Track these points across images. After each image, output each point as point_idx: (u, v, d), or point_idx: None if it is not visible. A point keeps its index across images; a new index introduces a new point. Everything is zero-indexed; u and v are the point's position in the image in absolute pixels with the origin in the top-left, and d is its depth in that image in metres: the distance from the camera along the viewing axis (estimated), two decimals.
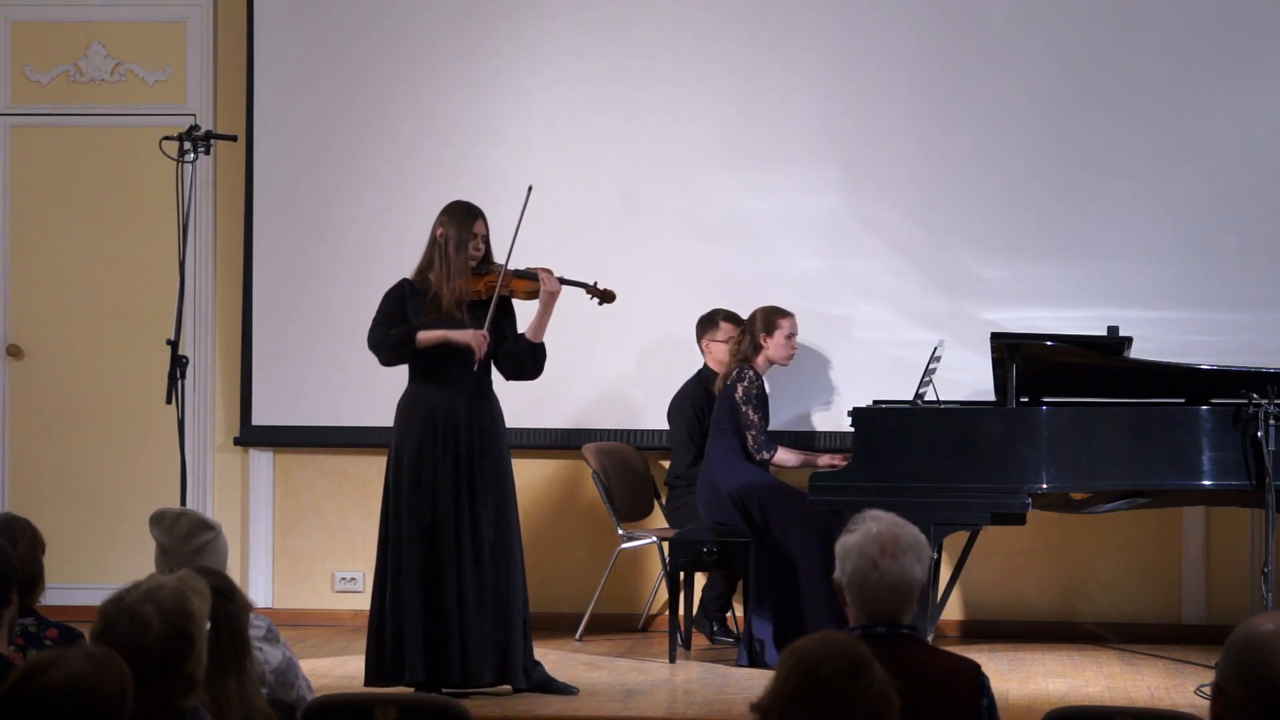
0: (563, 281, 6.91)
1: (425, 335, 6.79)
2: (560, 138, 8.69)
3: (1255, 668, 2.78)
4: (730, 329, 8.17)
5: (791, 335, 7.93)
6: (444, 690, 6.55)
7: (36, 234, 9.03)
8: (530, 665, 6.87)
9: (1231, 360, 7.74)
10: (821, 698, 2.85)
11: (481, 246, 6.90)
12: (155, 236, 8.60)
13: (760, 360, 7.88)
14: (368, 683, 6.79)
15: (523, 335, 6.95)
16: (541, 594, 8.02)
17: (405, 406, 6.92)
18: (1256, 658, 2.78)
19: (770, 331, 7.88)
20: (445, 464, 6.78)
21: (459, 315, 6.82)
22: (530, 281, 6.91)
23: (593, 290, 7.04)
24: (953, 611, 8.34)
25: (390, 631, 6.76)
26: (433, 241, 6.91)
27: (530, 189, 6.84)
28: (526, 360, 6.94)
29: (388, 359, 6.89)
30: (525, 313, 7.00)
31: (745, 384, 7.78)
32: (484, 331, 6.77)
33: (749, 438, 7.74)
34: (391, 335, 6.84)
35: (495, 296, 6.82)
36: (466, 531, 6.76)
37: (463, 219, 6.89)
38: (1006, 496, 7.02)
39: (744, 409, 7.76)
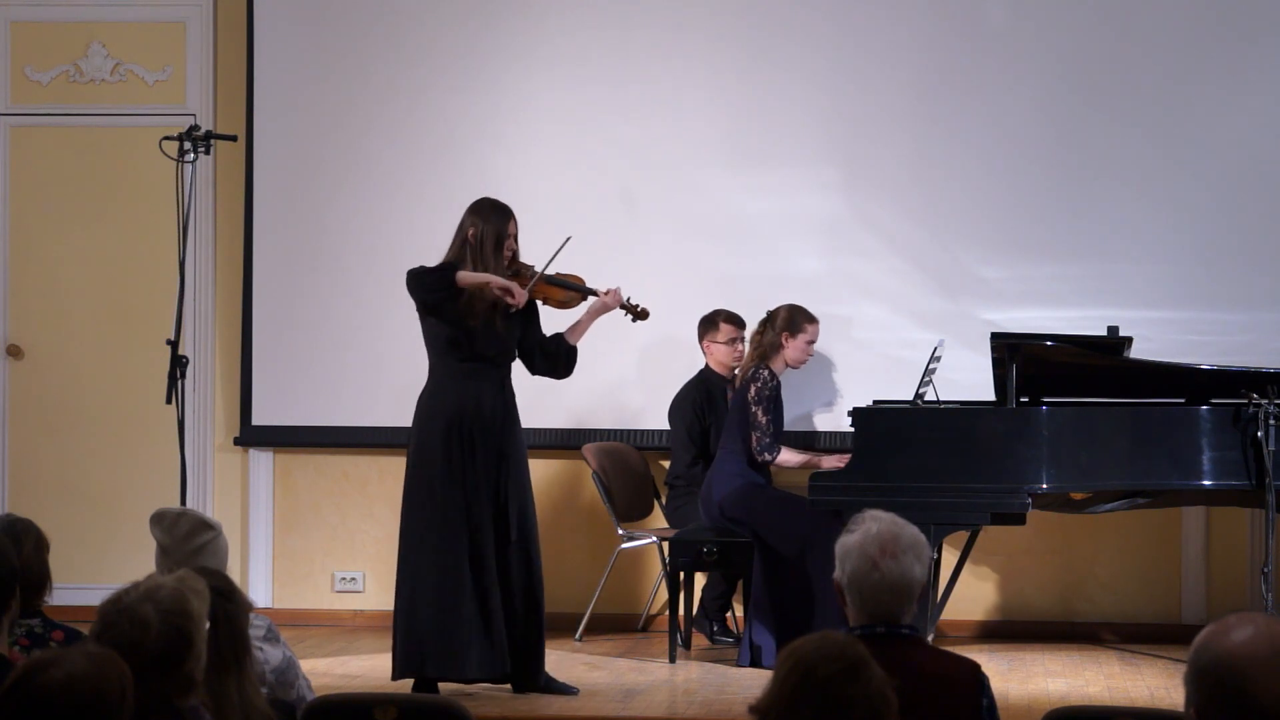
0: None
1: (466, 275, 6.71)
2: (561, 138, 8.68)
3: (1238, 696, 2.60)
4: (731, 330, 8.16)
5: (812, 342, 7.87)
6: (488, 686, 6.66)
7: (36, 234, 9.03)
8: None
9: (1231, 360, 7.74)
10: (819, 698, 2.85)
11: (515, 245, 6.89)
12: (155, 236, 8.60)
13: (778, 360, 7.83)
14: (396, 676, 6.79)
15: (561, 336, 7.01)
16: None
17: (428, 403, 6.88)
18: (1237, 684, 2.60)
19: (794, 333, 7.80)
20: (474, 462, 6.77)
21: (495, 319, 6.80)
22: (562, 290, 6.96)
23: (628, 307, 7.13)
24: (953, 611, 8.33)
25: (432, 627, 6.71)
26: (464, 241, 6.82)
27: (568, 239, 6.85)
28: (561, 361, 7.02)
29: (424, 292, 6.75)
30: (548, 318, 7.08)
31: (759, 384, 7.71)
32: (524, 290, 6.76)
33: (754, 438, 7.68)
34: (431, 269, 6.75)
35: (530, 296, 6.85)
36: (490, 529, 6.76)
37: (498, 217, 6.84)
38: (1006, 496, 7.03)
39: (754, 409, 7.69)
